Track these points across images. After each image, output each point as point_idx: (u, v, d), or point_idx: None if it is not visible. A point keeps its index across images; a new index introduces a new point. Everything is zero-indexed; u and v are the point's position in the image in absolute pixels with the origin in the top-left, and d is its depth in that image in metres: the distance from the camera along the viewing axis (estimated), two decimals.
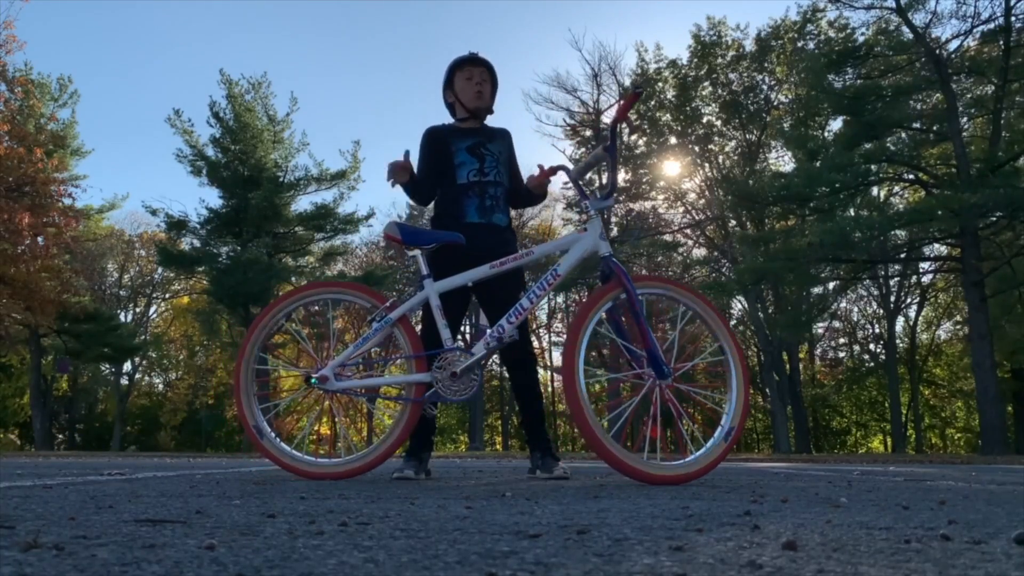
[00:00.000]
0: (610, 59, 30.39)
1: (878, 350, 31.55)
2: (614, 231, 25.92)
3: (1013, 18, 15.84)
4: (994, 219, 16.33)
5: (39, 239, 19.70)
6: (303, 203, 24.70)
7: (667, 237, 26.41)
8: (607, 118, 26.18)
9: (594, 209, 2.67)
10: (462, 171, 3.14)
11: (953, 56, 17.31)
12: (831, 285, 22.87)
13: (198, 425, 33.04)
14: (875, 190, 22.52)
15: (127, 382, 35.54)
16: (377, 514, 1.44)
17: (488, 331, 2.70)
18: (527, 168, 3.19)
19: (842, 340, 34.30)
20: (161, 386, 38.51)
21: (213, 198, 30.54)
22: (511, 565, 0.85)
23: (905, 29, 17.77)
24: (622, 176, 26.61)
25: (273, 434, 2.77)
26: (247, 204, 22.39)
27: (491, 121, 3.33)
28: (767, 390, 28.24)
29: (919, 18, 17.46)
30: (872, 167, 17.86)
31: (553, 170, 3.04)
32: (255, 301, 21.50)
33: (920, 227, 16.58)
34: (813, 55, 20.04)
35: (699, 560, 0.89)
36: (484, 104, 3.20)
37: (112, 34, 60.29)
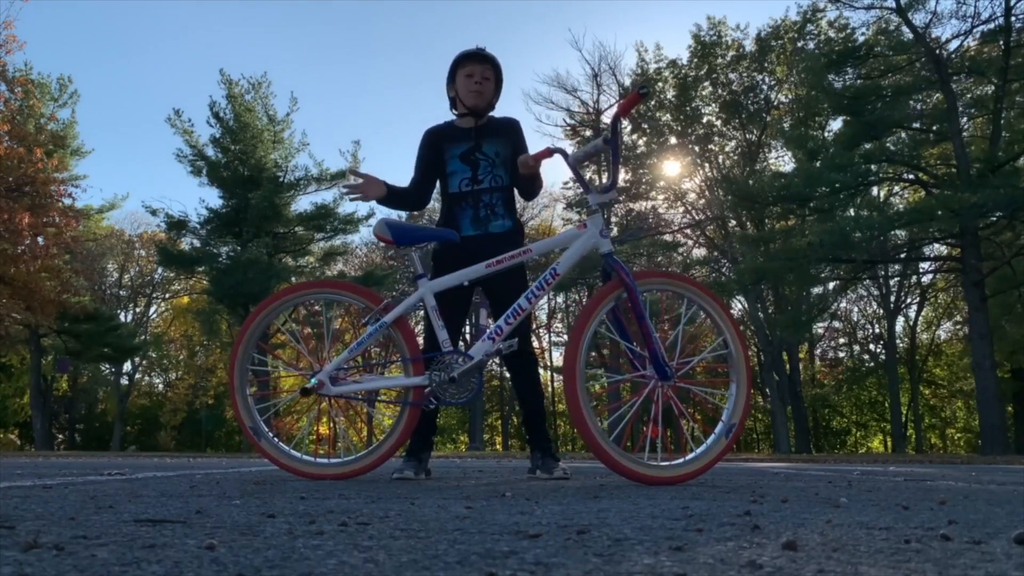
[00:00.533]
0: (610, 59, 30.44)
1: (878, 350, 31.56)
2: (614, 231, 25.92)
3: (1013, 18, 15.85)
4: (994, 219, 16.32)
5: (39, 239, 19.68)
6: (303, 203, 24.75)
7: (667, 237, 26.41)
8: (607, 118, 26.17)
9: (595, 204, 2.62)
10: (454, 180, 3.13)
11: (953, 56, 17.31)
12: (831, 285, 22.87)
13: (198, 425, 33.06)
14: (875, 190, 22.51)
15: (127, 382, 35.54)
16: (377, 514, 1.44)
17: (487, 331, 2.69)
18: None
19: (842, 340, 34.32)
20: (161, 386, 38.52)
21: (213, 198, 30.58)
22: (511, 565, 0.85)
23: (905, 29, 17.77)
24: (622, 176, 26.60)
25: (271, 434, 2.77)
26: (247, 204, 22.38)
27: (498, 112, 3.28)
28: (767, 390, 28.24)
29: (919, 18, 17.47)
30: (872, 167, 17.85)
31: (549, 152, 2.89)
32: (255, 301, 21.49)
33: (920, 227, 16.58)
34: (813, 55, 20.04)
35: (699, 560, 0.89)
36: (481, 104, 3.15)
37: (112, 34, 60.31)
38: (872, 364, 32.08)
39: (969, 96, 18.32)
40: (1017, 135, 16.64)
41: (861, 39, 19.13)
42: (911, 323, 30.19)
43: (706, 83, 26.24)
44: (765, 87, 26.05)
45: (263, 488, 2.26)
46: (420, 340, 2.86)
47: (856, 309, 32.38)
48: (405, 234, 2.71)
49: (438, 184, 3.24)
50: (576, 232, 2.65)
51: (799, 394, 25.19)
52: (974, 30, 16.79)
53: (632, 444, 2.62)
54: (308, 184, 23.98)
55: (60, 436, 34.47)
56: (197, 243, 23.85)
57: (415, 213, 32.87)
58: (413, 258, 2.73)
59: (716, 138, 26.71)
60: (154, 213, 22.89)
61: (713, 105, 26.40)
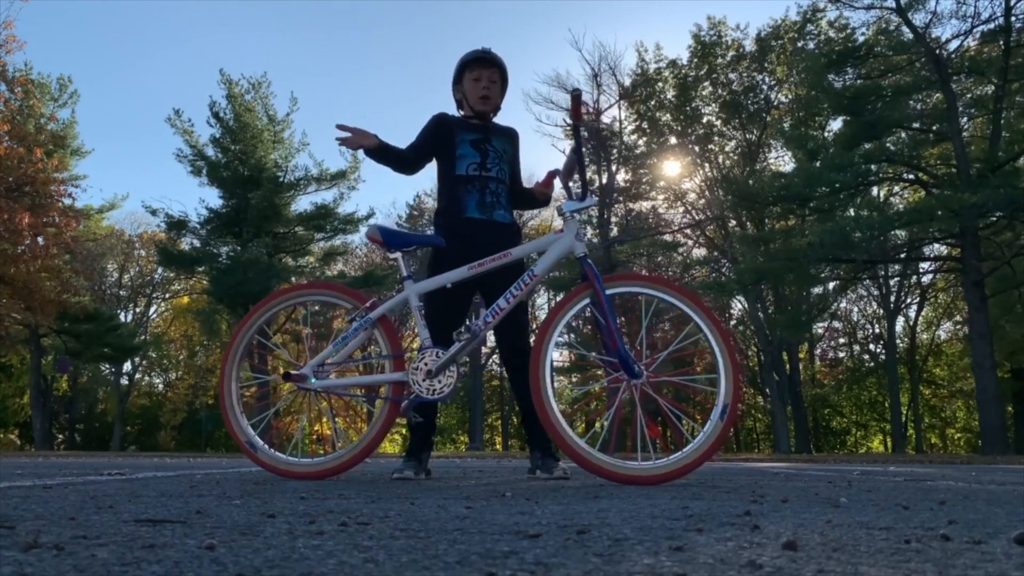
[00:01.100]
0: (610, 59, 30.42)
1: (878, 350, 31.56)
2: (614, 231, 25.92)
3: (1013, 18, 15.85)
4: (994, 219, 16.32)
5: (39, 239, 19.68)
6: (303, 203, 24.72)
7: (667, 237, 26.41)
8: (607, 118, 26.22)
9: (568, 211, 2.67)
10: (462, 163, 3.12)
11: (953, 56, 17.30)
12: (831, 285, 22.88)
13: (198, 425, 33.04)
14: (875, 190, 22.52)
15: (127, 382, 35.54)
16: (377, 514, 1.44)
17: (466, 327, 2.70)
18: (535, 170, 3.20)
19: (842, 340, 34.33)
20: (161, 386, 38.52)
21: (213, 198, 30.58)
22: (511, 565, 0.85)
23: (905, 29, 17.77)
24: (622, 176, 26.63)
25: (265, 445, 2.77)
26: (247, 204, 22.39)
27: (499, 119, 3.30)
28: (767, 390, 28.24)
29: (919, 18, 17.47)
30: (872, 167, 17.85)
31: (551, 175, 3.05)
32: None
33: (920, 227, 16.57)
34: (813, 55, 20.04)
35: (699, 560, 0.89)
36: (489, 108, 3.18)
37: (112, 34, 60.32)
38: (872, 364, 32.08)
39: (969, 96, 18.32)
40: (1017, 135, 16.64)
41: (861, 39, 19.14)
42: (911, 323, 30.20)
43: (706, 83, 26.25)
44: (765, 87, 26.06)
45: (263, 488, 2.26)
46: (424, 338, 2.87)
47: (856, 309, 32.42)
48: (394, 238, 2.79)
49: (442, 168, 3.22)
50: (553, 237, 2.70)
51: (799, 394, 25.19)
52: (974, 30, 16.80)
53: (629, 444, 2.60)
54: (308, 184, 23.99)
55: (60, 436, 34.47)
56: (197, 243, 23.85)
57: (415, 213, 32.93)
58: (400, 261, 2.80)
59: (716, 138, 26.72)
60: (154, 213, 22.91)
61: (713, 105, 26.41)
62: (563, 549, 0.98)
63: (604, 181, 25.72)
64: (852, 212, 17.87)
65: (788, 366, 24.88)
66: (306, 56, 62.21)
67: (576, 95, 2.61)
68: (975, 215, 14.84)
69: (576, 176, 2.76)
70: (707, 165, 26.67)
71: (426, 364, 2.63)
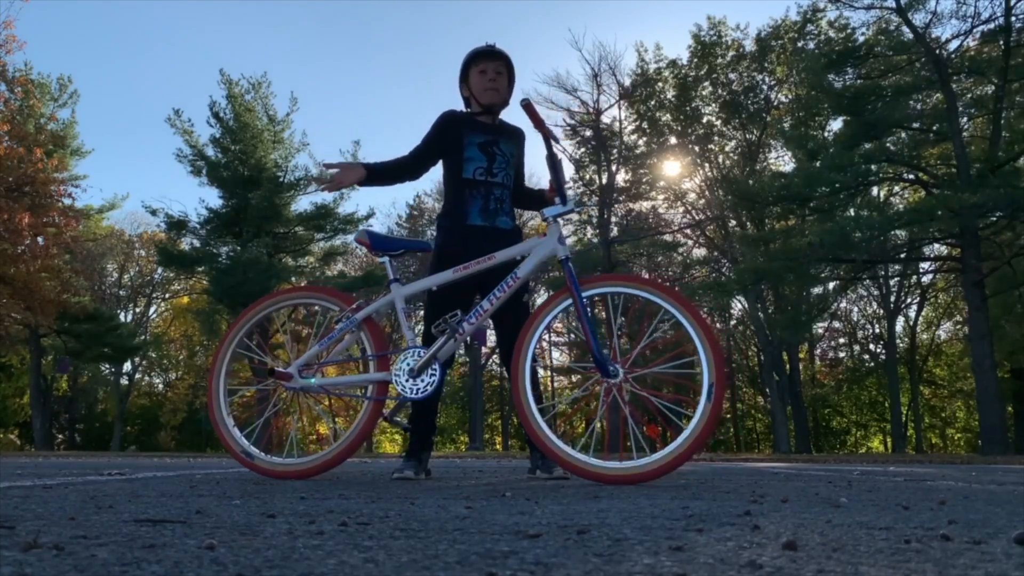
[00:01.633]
0: (610, 59, 30.39)
1: (878, 350, 31.56)
2: (614, 231, 25.92)
3: (1013, 18, 15.85)
4: (994, 219, 16.32)
5: (39, 239, 19.69)
6: (303, 203, 24.76)
7: (667, 237, 26.40)
8: (607, 118, 26.22)
9: (549, 215, 2.68)
10: (469, 166, 3.10)
11: (953, 56, 17.30)
12: (831, 285, 22.87)
13: (198, 425, 33.04)
14: (875, 190, 22.52)
15: (127, 382, 35.54)
16: (377, 514, 1.44)
17: (450, 325, 2.70)
18: (535, 170, 3.20)
19: (842, 340, 34.33)
20: (161, 386, 38.51)
21: (213, 198, 30.57)
22: (511, 565, 0.85)
23: (905, 29, 17.77)
24: (622, 176, 26.62)
25: (254, 447, 2.78)
26: (247, 204, 22.39)
27: (506, 117, 3.27)
28: (767, 390, 28.23)
29: (919, 18, 17.47)
30: (872, 167, 17.85)
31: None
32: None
33: (920, 227, 16.56)
34: (813, 55, 20.04)
35: (699, 560, 0.89)
36: (498, 100, 3.14)
37: (112, 34, 60.34)
38: (872, 364, 32.08)
39: (969, 96, 18.31)
40: (1017, 135, 16.64)
41: (861, 39, 19.13)
42: (911, 323, 30.20)
43: (706, 83, 26.24)
44: (765, 87, 26.05)
45: (263, 488, 2.26)
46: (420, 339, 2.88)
47: (856, 309, 32.41)
48: (382, 242, 2.84)
49: (449, 169, 3.19)
50: (537, 240, 2.72)
51: (799, 394, 25.18)
52: (974, 30, 16.79)
53: (630, 444, 2.59)
54: (308, 184, 23.98)
55: (60, 436, 34.47)
56: (197, 243, 23.86)
57: (415, 213, 32.93)
58: (387, 265, 2.84)
59: (716, 138, 26.71)
60: (154, 213, 22.92)
61: (713, 105, 26.39)
62: (563, 549, 0.98)
63: (604, 181, 25.72)
64: (852, 212, 17.86)
65: (788, 366, 24.88)
66: (306, 56, 62.26)
67: (524, 104, 2.65)
68: (975, 215, 14.84)
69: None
70: (707, 165, 26.67)
71: (408, 364, 2.64)
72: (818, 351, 34.72)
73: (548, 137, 2.70)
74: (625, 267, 26.48)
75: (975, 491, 2.42)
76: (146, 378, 38.74)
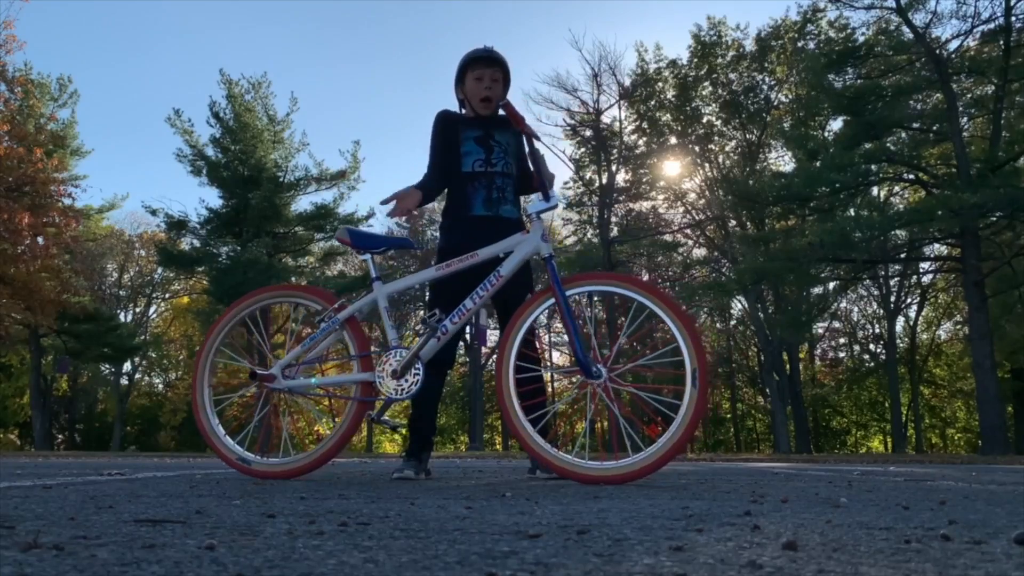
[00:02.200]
0: (610, 59, 30.39)
1: (878, 350, 31.55)
2: (614, 231, 25.92)
3: (1013, 18, 15.85)
4: (994, 219, 16.32)
5: (39, 239, 19.70)
6: (303, 203, 24.73)
7: (667, 237, 26.40)
8: (607, 118, 26.22)
9: (533, 211, 2.68)
10: (467, 160, 3.12)
11: (953, 56, 17.30)
12: (831, 285, 22.88)
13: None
14: (875, 190, 22.52)
15: (127, 382, 35.54)
16: (377, 514, 1.44)
17: (429, 325, 2.69)
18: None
19: (842, 340, 34.31)
20: (161, 386, 38.51)
21: (213, 198, 30.56)
22: (511, 565, 0.85)
23: (905, 29, 17.77)
24: (622, 176, 26.63)
25: (257, 456, 2.77)
26: (247, 204, 22.39)
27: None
28: (767, 390, 28.22)
29: (919, 18, 17.47)
30: (872, 167, 17.85)
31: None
32: None
33: (920, 227, 16.57)
34: (813, 55, 20.05)
35: (699, 560, 0.89)
36: (491, 111, 3.17)
37: (112, 34, 60.35)
38: (872, 364, 32.07)
39: (969, 96, 18.31)
40: (1017, 135, 16.64)
41: (861, 39, 19.13)
42: (911, 323, 30.20)
43: (706, 83, 26.23)
44: (765, 87, 26.05)
45: (263, 488, 2.26)
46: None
47: (856, 309, 32.40)
48: (363, 239, 2.82)
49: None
50: (520, 237, 2.70)
51: (799, 394, 25.18)
52: (974, 30, 16.79)
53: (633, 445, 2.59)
54: (308, 184, 23.99)
55: (60, 436, 34.45)
56: (197, 243, 23.86)
57: (416, 213, 32.90)
58: (369, 263, 2.83)
59: (716, 138, 26.70)
60: (154, 213, 22.92)
61: (713, 105, 26.39)
62: (563, 549, 0.98)
63: (604, 181, 25.72)
64: (852, 212, 17.87)
65: (788, 366, 24.88)
66: (306, 55, 62.27)
67: (502, 105, 2.67)
68: (975, 215, 14.84)
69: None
70: (707, 165, 26.67)
71: (391, 364, 2.62)
72: (818, 351, 34.72)
73: (529, 136, 2.72)
74: (625, 267, 26.48)
75: (975, 491, 2.42)
76: (146, 378, 38.74)
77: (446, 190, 3.24)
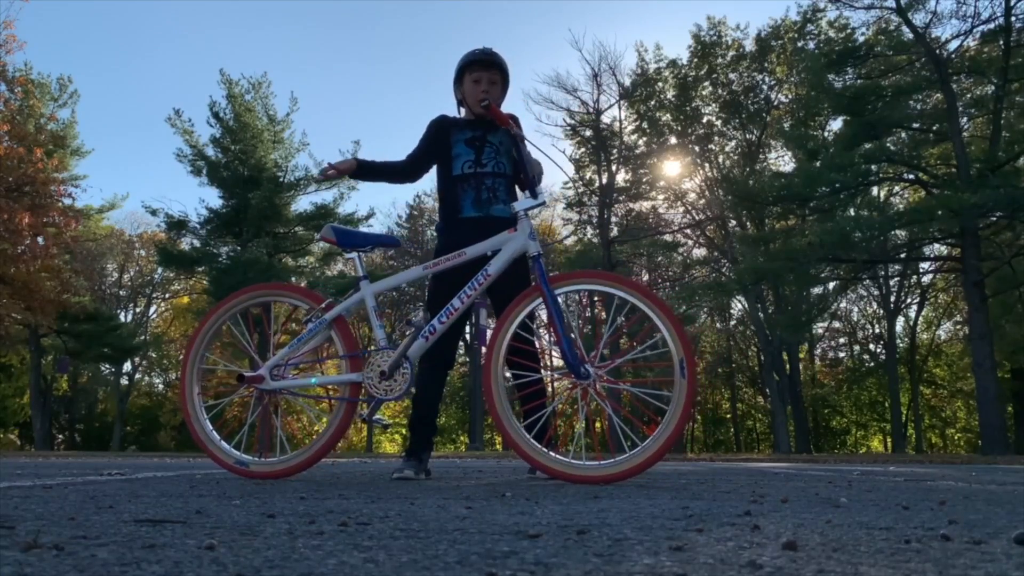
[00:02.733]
0: (610, 59, 30.38)
1: (878, 350, 31.55)
2: (614, 231, 25.92)
3: (1013, 18, 15.84)
4: (994, 219, 16.32)
5: (39, 239, 19.69)
6: (303, 203, 24.74)
7: (667, 237, 26.39)
8: (607, 118, 26.21)
9: (519, 209, 2.67)
10: (457, 163, 3.13)
11: (953, 56, 17.31)
12: (831, 285, 22.86)
13: None
14: (875, 190, 22.51)
15: (127, 382, 35.53)
16: (377, 514, 1.44)
17: (407, 322, 2.70)
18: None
19: (842, 340, 34.32)
20: (161, 386, 38.51)
21: (213, 198, 30.60)
22: (511, 565, 0.85)
23: (905, 29, 17.77)
24: (622, 176, 26.63)
25: (256, 457, 2.76)
26: (247, 204, 22.40)
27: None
28: (767, 390, 28.22)
29: (919, 18, 17.47)
30: (872, 167, 17.85)
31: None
32: None
33: (920, 227, 16.57)
34: (813, 55, 20.04)
35: (699, 560, 0.89)
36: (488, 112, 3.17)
37: (112, 34, 60.35)
38: (872, 364, 32.07)
39: (969, 96, 18.31)
40: (1017, 135, 16.64)
41: (861, 39, 19.14)
42: (911, 323, 30.20)
43: (706, 83, 26.24)
44: (765, 87, 26.05)
45: (263, 488, 2.26)
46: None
47: (856, 309, 32.40)
48: (347, 237, 2.81)
49: (440, 171, 3.23)
50: (507, 236, 2.69)
51: (799, 394, 25.18)
52: (974, 30, 16.79)
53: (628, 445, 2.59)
54: (308, 184, 24.00)
55: (60, 436, 34.45)
56: (197, 243, 23.87)
57: (415, 213, 32.91)
58: (356, 261, 2.82)
59: (716, 138, 26.70)
60: (154, 213, 22.93)
61: (713, 105, 26.39)
62: (563, 549, 0.98)
63: (604, 181, 25.71)
64: (852, 212, 17.87)
65: (788, 366, 24.88)
66: (306, 55, 62.27)
67: (485, 107, 2.69)
68: (975, 215, 14.84)
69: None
70: (707, 165, 26.66)
71: (379, 365, 2.62)
72: (818, 351, 34.73)
73: (514, 136, 2.73)
74: (625, 267, 26.47)
75: (975, 491, 2.42)
76: (146, 378, 38.74)
77: (438, 194, 3.26)
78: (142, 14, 59.20)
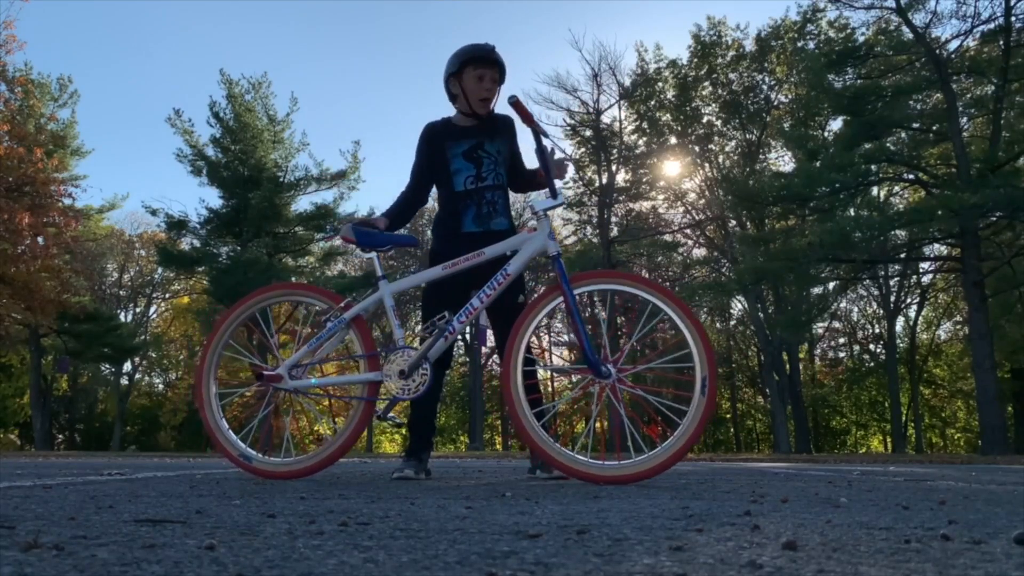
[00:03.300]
0: (610, 59, 30.38)
1: (878, 350, 31.55)
2: (614, 231, 25.92)
3: (1013, 18, 15.85)
4: (994, 219, 16.32)
5: (39, 239, 19.69)
6: (303, 203, 24.74)
7: (667, 237, 26.39)
8: (607, 118, 26.21)
9: (539, 209, 2.67)
10: (459, 178, 3.11)
11: (953, 56, 17.31)
12: (831, 285, 22.86)
13: (198, 425, 32.93)
14: (875, 190, 22.51)
15: (127, 382, 35.53)
16: (377, 514, 1.44)
17: (438, 326, 2.69)
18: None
19: (842, 340, 34.32)
20: (161, 386, 38.51)
21: (213, 198, 30.61)
22: (511, 565, 0.85)
23: (905, 29, 17.78)
24: (622, 176, 26.63)
25: (261, 454, 2.76)
26: (247, 204, 22.40)
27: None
28: (767, 390, 28.22)
29: (919, 18, 17.48)
30: (872, 167, 17.85)
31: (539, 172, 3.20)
32: None
33: (920, 227, 16.57)
34: (813, 55, 20.04)
35: (699, 560, 0.89)
36: (486, 112, 3.13)
37: (112, 34, 60.35)
38: (872, 364, 32.08)
39: (969, 96, 18.32)
40: (1017, 135, 16.65)
41: (861, 39, 19.14)
42: (911, 323, 30.20)
43: (706, 83, 26.24)
44: (765, 87, 26.05)
45: (263, 488, 2.26)
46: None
47: (856, 309, 32.41)
48: (367, 238, 2.83)
49: (438, 184, 3.23)
50: (526, 235, 2.69)
51: (799, 394, 25.18)
52: (974, 30, 16.80)
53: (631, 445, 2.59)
54: (308, 184, 24.00)
55: (60, 436, 34.45)
56: (197, 243, 23.87)
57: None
58: (375, 261, 2.84)
59: (716, 138, 26.70)
60: (154, 213, 22.93)
61: (713, 105, 26.39)
62: (563, 549, 0.98)
63: (604, 181, 25.71)
64: (852, 212, 17.86)
65: (788, 366, 24.88)
66: (306, 55, 62.27)
67: (512, 102, 2.66)
68: (975, 215, 14.84)
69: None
70: (707, 165, 26.67)
71: (398, 364, 2.62)
72: (818, 351, 34.73)
73: (538, 133, 2.69)
74: (625, 267, 26.46)
75: (975, 491, 2.42)
76: (146, 378, 38.74)
77: (438, 202, 3.26)
78: (142, 14, 59.24)
